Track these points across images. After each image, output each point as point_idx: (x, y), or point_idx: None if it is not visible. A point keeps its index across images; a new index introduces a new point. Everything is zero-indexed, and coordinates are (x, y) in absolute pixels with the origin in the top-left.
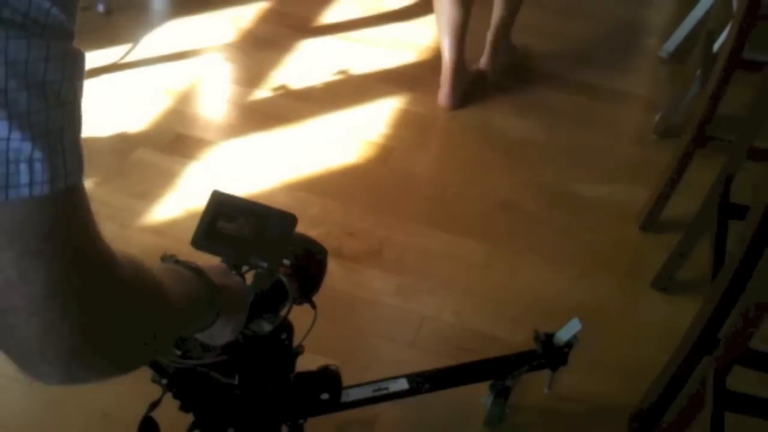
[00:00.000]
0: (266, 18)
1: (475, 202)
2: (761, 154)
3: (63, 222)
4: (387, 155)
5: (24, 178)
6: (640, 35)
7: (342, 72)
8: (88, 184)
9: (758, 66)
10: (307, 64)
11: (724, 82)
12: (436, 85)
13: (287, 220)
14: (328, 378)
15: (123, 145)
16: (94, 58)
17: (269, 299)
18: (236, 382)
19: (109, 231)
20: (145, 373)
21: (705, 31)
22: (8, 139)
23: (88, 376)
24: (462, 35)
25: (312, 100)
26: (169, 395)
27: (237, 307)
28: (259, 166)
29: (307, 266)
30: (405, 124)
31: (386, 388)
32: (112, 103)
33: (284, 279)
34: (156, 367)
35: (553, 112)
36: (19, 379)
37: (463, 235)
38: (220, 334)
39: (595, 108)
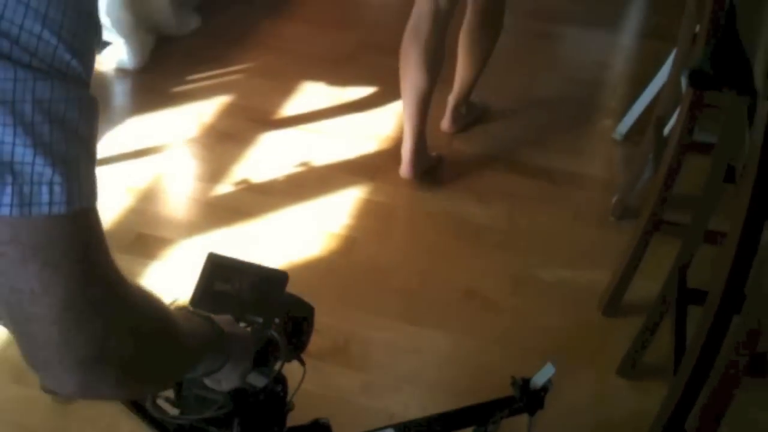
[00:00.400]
0: (228, 112)
1: (439, 292)
2: (716, 237)
3: (78, 240)
4: (350, 246)
5: (45, 198)
6: (595, 117)
7: (304, 164)
8: None
9: (708, 148)
10: (269, 156)
11: (675, 167)
12: (398, 173)
13: (280, 278)
14: (319, 431)
15: None
16: None
17: (263, 354)
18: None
19: None
20: None
21: (655, 116)
22: (33, 163)
23: (102, 389)
24: (425, 105)
25: (274, 193)
26: None
27: (244, 354)
28: None
29: (295, 324)
30: (367, 214)
31: None
32: None
33: (276, 335)
34: (157, 425)
35: (513, 197)
36: None
37: (428, 326)
38: (228, 379)
39: (553, 191)
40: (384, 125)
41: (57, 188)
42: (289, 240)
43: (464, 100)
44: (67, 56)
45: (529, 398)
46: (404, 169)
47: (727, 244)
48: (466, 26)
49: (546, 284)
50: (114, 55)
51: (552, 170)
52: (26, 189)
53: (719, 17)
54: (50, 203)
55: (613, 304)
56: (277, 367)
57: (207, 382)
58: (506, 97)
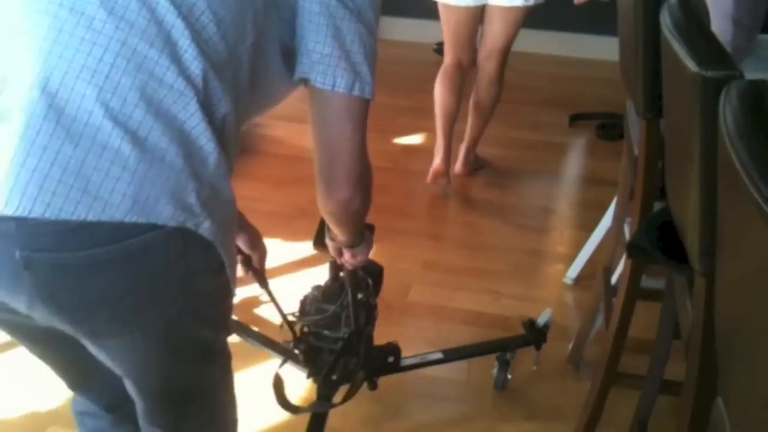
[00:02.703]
0: None
1: None
2: (673, 387)
3: (366, 115)
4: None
5: (366, 89)
6: (545, 263)
7: (261, 321)
8: None
9: (657, 294)
10: None
11: (625, 323)
12: None
13: (368, 229)
14: (392, 348)
15: (33, 425)
16: None
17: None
18: (341, 334)
19: None
20: None
21: (602, 266)
22: (365, 73)
23: (356, 201)
24: (452, 120)
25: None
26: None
27: (370, 243)
28: None
29: (372, 273)
30: None
31: (428, 358)
32: (22, 378)
33: (366, 276)
34: (290, 328)
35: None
36: None
37: None
38: (361, 253)
39: None
40: None
41: (369, 87)
42: (247, 406)
43: (473, 147)
44: (373, 16)
45: (535, 334)
46: (432, 178)
47: (682, 407)
48: (476, 88)
49: None
50: None
51: (507, 319)
52: (360, 83)
53: (651, 186)
54: (365, 92)
55: None
56: (368, 292)
57: (347, 256)
58: (457, 247)
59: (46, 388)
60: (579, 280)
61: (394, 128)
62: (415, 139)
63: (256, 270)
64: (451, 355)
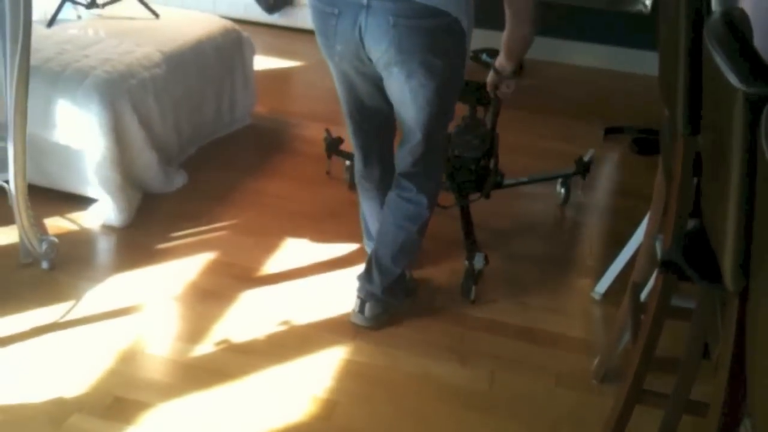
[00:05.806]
0: (211, 269)
1: None
2: (698, 408)
3: None
4: (331, 411)
5: None
6: (573, 276)
7: (285, 322)
8: None
9: (686, 313)
10: (250, 314)
11: (653, 341)
12: (379, 333)
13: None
14: (501, 173)
15: (57, 411)
16: (34, 318)
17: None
18: (477, 155)
19: None
20: None
21: (631, 281)
22: None
23: (532, 34)
24: None
25: (255, 353)
26: None
27: (516, 83)
28: (197, 430)
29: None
30: (348, 375)
31: (519, 180)
32: (49, 365)
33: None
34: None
35: (494, 358)
36: None
37: None
38: (513, 84)
39: (534, 352)
40: None
41: None
42: (269, 403)
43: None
44: None
45: (582, 167)
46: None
47: (707, 429)
48: None
49: None
50: (100, 212)
51: (533, 330)
52: None
53: (686, 203)
54: None
55: None
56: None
57: (503, 87)
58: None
59: (72, 376)
60: (607, 295)
61: None
62: None
63: None
64: (534, 178)
